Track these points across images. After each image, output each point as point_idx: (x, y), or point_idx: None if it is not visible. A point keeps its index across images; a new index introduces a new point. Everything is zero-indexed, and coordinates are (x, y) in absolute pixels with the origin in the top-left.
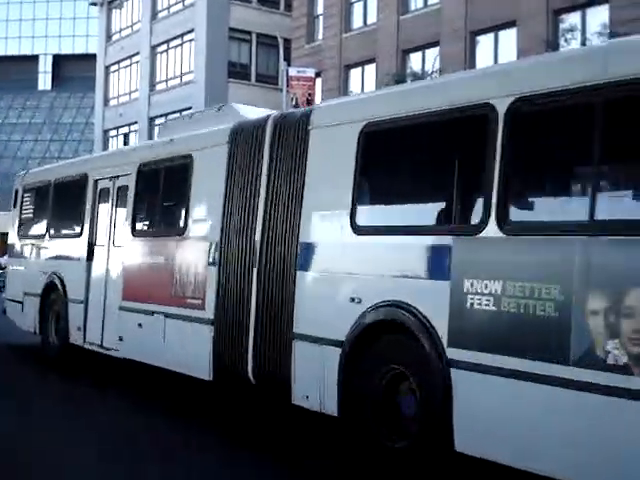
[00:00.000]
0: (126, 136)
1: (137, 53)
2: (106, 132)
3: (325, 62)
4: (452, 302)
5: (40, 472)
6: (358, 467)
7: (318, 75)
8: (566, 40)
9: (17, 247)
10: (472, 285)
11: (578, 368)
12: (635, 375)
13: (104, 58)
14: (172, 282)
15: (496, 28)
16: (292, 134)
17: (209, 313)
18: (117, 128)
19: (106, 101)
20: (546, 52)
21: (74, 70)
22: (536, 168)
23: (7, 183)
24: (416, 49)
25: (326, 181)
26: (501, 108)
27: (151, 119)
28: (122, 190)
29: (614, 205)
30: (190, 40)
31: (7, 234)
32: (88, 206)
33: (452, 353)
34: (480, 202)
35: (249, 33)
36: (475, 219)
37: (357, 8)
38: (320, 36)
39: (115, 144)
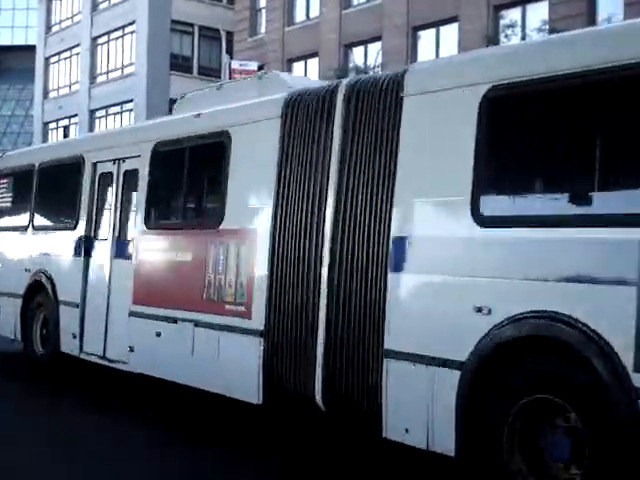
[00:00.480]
0: (66, 129)
1: (77, 45)
2: (46, 125)
3: (268, 55)
4: None
5: None
6: None
7: (261, 68)
8: (506, 36)
9: None
10: None
11: None
12: None
13: (44, 50)
14: (204, 284)
15: (437, 23)
16: (376, 103)
17: (257, 322)
18: (57, 121)
19: (46, 93)
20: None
21: (13, 62)
22: None
23: None
24: (358, 43)
25: (430, 161)
26: None
27: (91, 112)
28: (130, 175)
29: None
30: (131, 32)
31: None
32: (84, 194)
33: None
34: None
35: (191, 25)
36: None
37: (300, 2)
38: (263, 29)
39: (55, 137)
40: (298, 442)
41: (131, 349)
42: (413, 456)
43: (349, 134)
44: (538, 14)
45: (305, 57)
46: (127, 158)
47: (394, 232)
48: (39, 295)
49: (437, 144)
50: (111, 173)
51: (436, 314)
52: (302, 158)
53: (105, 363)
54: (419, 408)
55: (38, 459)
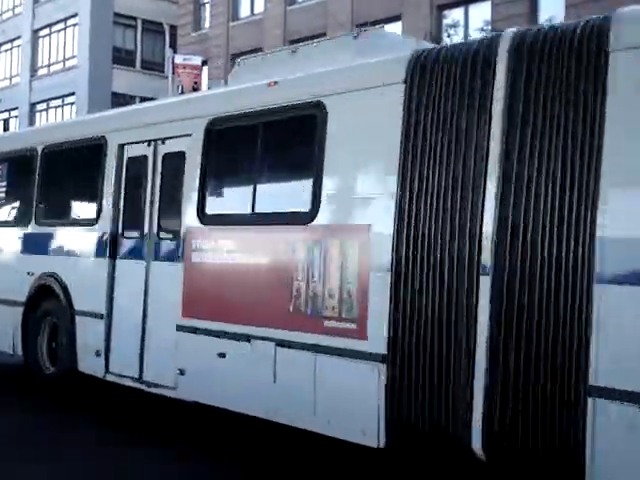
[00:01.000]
0: (6, 122)
1: (18, 37)
2: None
3: (212, 50)
4: None
5: None
6: None
7: (205, 63)
8: (449, 35)
9: None
10: None
11: None
12: None
13: None
14: (290, 293)
15: (381, 22)
16: (564, 61)
17: (375, 344)
18: None
19: None
20: None
21: None
22: None
23: None
24: (302, 40)
25: None
26: None
27: (32, 105)
28: (173, 158)
29: None
30: (74, 25)
31: None
32: (107, 182)
33: None
34: None
35: (134, 19)
36: None
37: None
38: (207, 24)
39: None
40: None
41: (181, 372)
42: None
43: (520, 103)
44: (480, 14)
45: (249, 52)
46: (169, 138)
47: (602, 231)
48: (46, 302)
49: None
50: (145, 157)
51: None
52: (440, 134)
53: (142, 387)
54: None
55: None
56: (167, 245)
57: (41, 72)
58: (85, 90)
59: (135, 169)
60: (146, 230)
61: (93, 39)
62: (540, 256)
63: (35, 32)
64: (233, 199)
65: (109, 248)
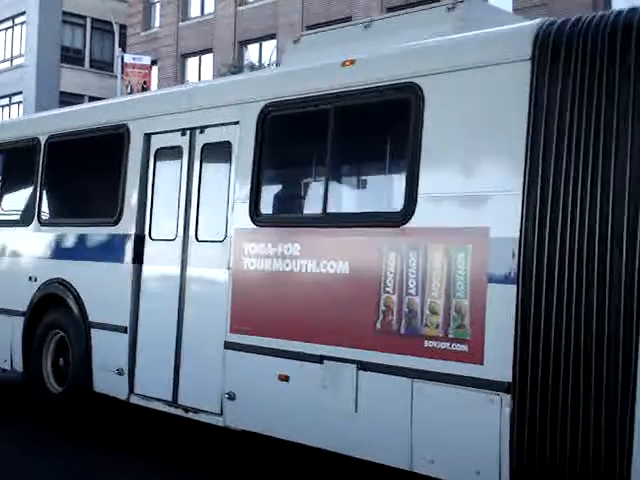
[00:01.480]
0: None
1: None
2: None
3: (161, 50)
4: None
5: None
6: None
7: (154, 63)
8: None
9: None
10: None
11: None
12: None
13: None
14: (376, 307)
15: (331, 23)
16: None
17: (495, 369)
18: None
19: None
20: None
21: None
22: None
23: None
24: (253, 41)
25: None
26: None
27: None
28: (215, 150)
29: None
30: (22, 23)
31: None
32: (130, 177)
33: None
34: None
35: (83, 17)
36: None
37: None
38: (157, 24)
39: None
40: None
41: (230, 396)
42: None
43: None
44: None
45: (199, 53)
46: (210, 126)
47: None
48: (53, 313)
49: None
50: (178, 148)
51: None
52: (579, 119)
53: (177, 412)
54: None
55: None
56: (208, 249)
57: None
58: (33, 89)
59: (166, 162)
60: (180, 232)
61: (41, 38)
62: None
63: None
64: (297, 197)
65: (134, 252)
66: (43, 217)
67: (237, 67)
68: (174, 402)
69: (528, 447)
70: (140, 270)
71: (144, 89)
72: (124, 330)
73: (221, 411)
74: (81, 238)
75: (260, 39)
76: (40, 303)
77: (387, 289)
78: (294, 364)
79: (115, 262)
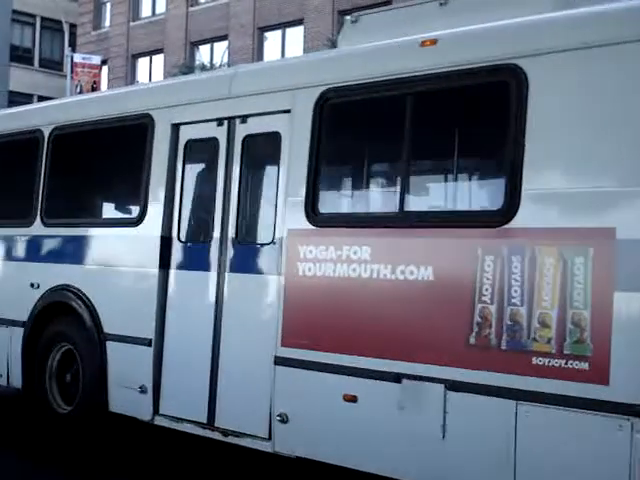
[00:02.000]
0: None
1: None
2: None
3: (112, 50)
4: None
5: None
6: None
7: (104, 63)
8: None
9: None
10: None
11: None
12: None
13: None
14: (470, 319)
15: (283, 25)
16: None
17: (626, 391)
18: None
19: None
20: None
21: None
22: None
23: None
24: (205, 41)
25: None
26: None
27: None
28: (260, 142)
29: None
30: None
31: None
32: (156, 172)
33: None
34: None
35: (33, 16)
36: None
37: None
38: (107, 23)
39: None
40: None
41: (283, 419)
42: None
43: None
44: None
45: (150, 53)
46: (253, 116)
47: None
48: (59, 323)
49: None
50: (214, 140)
51: None
52: None
53: (213, 436)
54: None
55: None
56: (253, 252)
57: None
58: None
59: (198, 155)
60: (217, 233)
61: None
62: None
63: None
64: (364, 193)
65: (160, 256)
66: (47, 217)
67: (188, 68)
68: (210, 424)
69: None
70: (167, 276)
71: (94, 89)
72: (148, 343)
73: (269, 435)
74: (94, 240)
75: (212, 40)
76: (43, 312)
77: (484, 298)
78: (363, 383)
79: (136, 267)
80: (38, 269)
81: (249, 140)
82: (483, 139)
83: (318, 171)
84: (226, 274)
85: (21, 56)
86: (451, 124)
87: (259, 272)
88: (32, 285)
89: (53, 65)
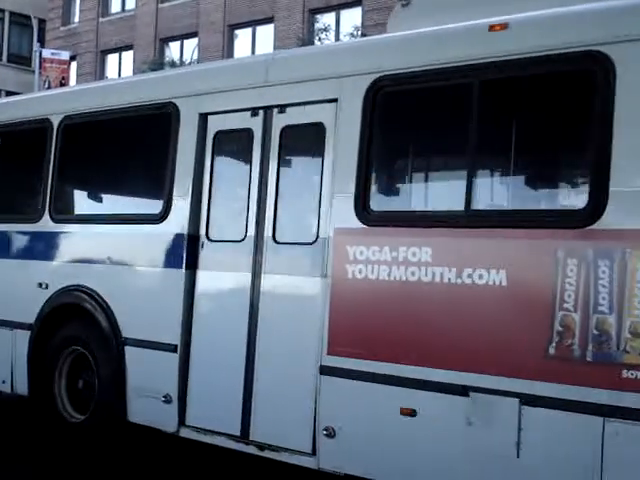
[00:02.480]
0: None
1: None
2: None
3: (81, 46)
4: None
5: None
6: None
7: (73, 59)
8: (320, 39)
9: None
10: None
11: None
12: None
13: None
14: (550, 327)
15: (254, 23)
16: None
17: None
18: None
19: None
20: None
21: None
22: None
23: None
24: (175, 38)
25: None
26: None
27: None
28: (300, 133)
29: None
30: None
31: None
32: (181, 165)
33: None
34: None
35: (2, 11)
36: None
37: None
38: (76, 19)
39: None
40: None
41: (329, 433)
42: None
43: None
44: (351, 19)
45: (120, 49)
46: (293, 105)
47: None
48: (70, 326)
49: None
50: (247, 131)
51: None
52: None
53: (248, 450)
54: None
55: None
56: (292, 253)
57: None
58: None
59: (229, 148)
60: (251, 231)
61: None
62: None
63: None
64: (424, 190)
65: (186, 255)
66: (57, 212)
67: (158, 64)
68: (243, 437)
69: None
70: (194, 277)
71: (62, 85)
72: (173, 349)
73: (313, 450)
74: (110, 238)
75: (182, 37)
76: (53, 314)
77: (565, 306)
78: (424, 395)
79: (160, 267)
80: (47, 268)
81: (288, 131)
82: (562, 132)
83: (370, 165)
84: (262, 275)
85: None
86: (524, 115)
87: (300, 274)
88: (40, 285)
89: (22, 60)
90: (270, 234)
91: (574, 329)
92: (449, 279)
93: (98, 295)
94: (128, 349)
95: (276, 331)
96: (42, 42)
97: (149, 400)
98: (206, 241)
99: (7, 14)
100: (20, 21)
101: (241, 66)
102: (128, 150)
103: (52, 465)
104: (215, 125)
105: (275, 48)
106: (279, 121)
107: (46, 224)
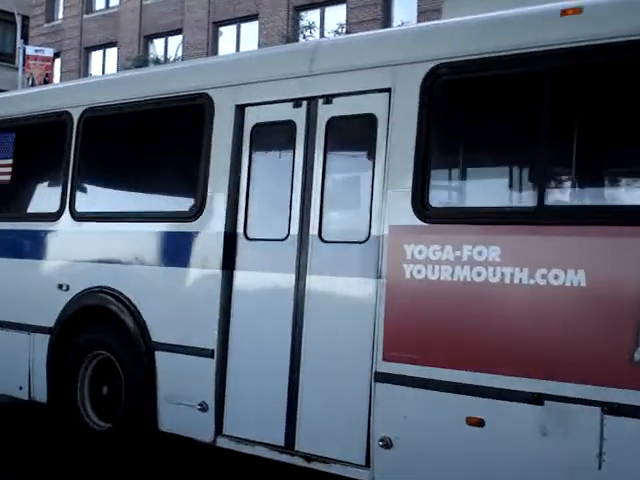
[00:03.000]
0: None
1: None
2: None
3: (65, 43)
4: None
5: None
6: None
7: (57, 55)
8: (304, 37)
9: None
10: None
11: None
12: None
13: None
14: (636, 332)
15: (238, 20)
16: None
17: None
18: None
19: None
20: None
21: None
22: None
23: None
24: (159, 35)
25: None
26: None
27: None
28: (349, 125)
29: None
30: None
31: None
32: (216, 160)
33: None
34: None
35: None
36: None
37: None
38: (60, 15)
39: None
40: None
41: (385, 443)
42: None
43: None
44: (336, 17)
45: (104, 46)
46: (341, 95)
47: None
48: (94, 330)
49: None
50: (289, 123)
51: None
52: None
53: (293, 461)
54: None
55: None
56: (341, 252)
57: None
58: None
59: (269, 141)
60: (294, 229)
61: None
62: None
63: None
64: (489, 185)
65: (223, 254)
66: (78, 210)
67: (142, 61)
68: (288, 447)
69: None
70: (231, 278)
71: (46, 82)
72: (209, 354)
73: (367, 462)
74: (138, 236)
75: (166, 34)
76: (74, 317)
77: None
78: (493, 404)
79: (193, 268)
80: (67, 269)
81: (334, 123)
82: None
83: (428, 159)
84: (307, 276)
85: None
86: (600, 104)
87: (349, 274)
88: (60, 287)
89: (5, 57)
90: (316, 232)
91: None
92: (520, 280)
93: (125, 297)
94: (158, 354)
95: (323, 335)
96: (26, 39)
97: (182, 408)
98: (244, 240)
99: None
100: (3, 18)
101: (283, 54)
102: (157, 144)
103: (76, 476)
104: (253, 117)
105: (260, 45)
106: (325, 112)
107: (66, 222)
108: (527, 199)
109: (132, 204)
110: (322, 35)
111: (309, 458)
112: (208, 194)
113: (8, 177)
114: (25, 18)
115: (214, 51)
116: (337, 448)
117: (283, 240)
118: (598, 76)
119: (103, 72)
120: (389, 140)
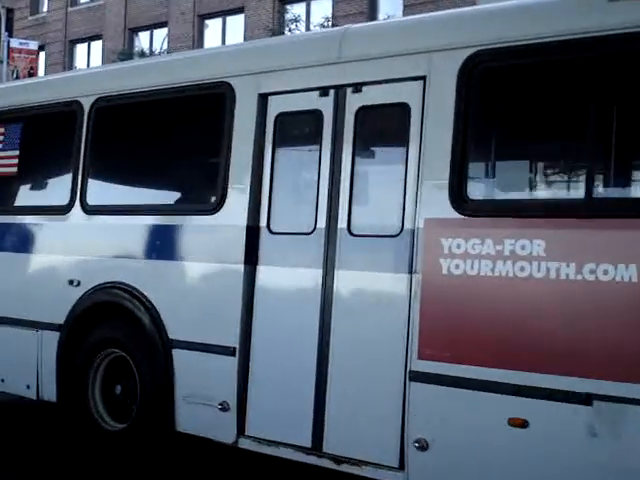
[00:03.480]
0: None
1: None
2: None
3: (49, 36)
4: None
5: None
6: None
7: (42, 48)
8: (290, 30)
9: None
10: None
11: None
12: None
13: None
14: None
15: (224, 13)
16: None
17: None
18: None
19: None
20: None
21: None
22: None
23: None
24: (144, 28)
25: None
26: None
27: None
28: (380, 115)
29: None
30: None
31: None
32: (238, 151)
33: None
34: None
35: None
36: None
37: None
38: (45, 8)
39: None
40: None
41: (421, 445)
42: None
43: None
44: (321, 10)
45: (89, 39)
46: (371, 83)
47: None
48: (107, 327)
49: None
50: (316, 113)
51: None
52: None
53: (321, 463)
54: None
55: None
56: (372, 246)
57: None
58: None
59: (294, 131)
60: (321, 222)
61: None
62: None
63: None
64: (531, 177)
65: (245, 249)
66: (90, 203)
67: (127, 54)
68: (316, 449)
69: None
70: (254, 273)
71: (31, 75)
72: (230, 352)
73: (401, 465)
74: (155, 230)
75: (151, 27)
76: (86, 314)
77: None
78: (537, 404)
79: (214, 262)
80: (78, 264)
81: (364, 112)
82: None
83: (466, 149)
84: (335, 272)
85: None
86: None
87: (381, 270)
88: (71, 282)
89: None
90: (344, 226)
91: None
92: (567, 275)
93: (140, 293)
94: (176, 352)
95: (353, 333)
96: (10, 32)
97: (202, 408)
98: (267, 233)
99: None
100: None
101: (309, 41)
102: (174, 135)
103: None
104: (277, 107)
105: (245, 39)
106: (354, 101)
107: (77, 216)
108: (574, 191)
109: (147, 197)
110: (307, 29)
111: (338, 460)
112: (229, 186)
113: (15, 169)
114: (10, 11)
115: (200, 44)
116: (368, 450)
117: (309, 234)
118: None
119: (88, 65)
120: (424, 130)
